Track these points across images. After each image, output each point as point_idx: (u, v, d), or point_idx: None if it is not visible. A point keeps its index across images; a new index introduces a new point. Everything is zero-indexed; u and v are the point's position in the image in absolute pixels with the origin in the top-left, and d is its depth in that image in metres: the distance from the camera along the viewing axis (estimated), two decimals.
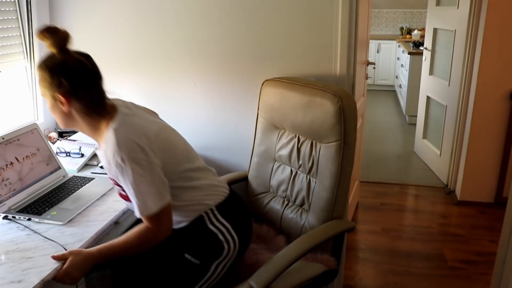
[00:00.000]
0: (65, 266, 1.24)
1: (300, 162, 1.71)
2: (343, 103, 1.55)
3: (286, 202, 1.77)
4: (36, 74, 1.33)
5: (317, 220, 1.65)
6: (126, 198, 1.39)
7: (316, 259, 1.62)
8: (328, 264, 1.61)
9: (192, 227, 1.44)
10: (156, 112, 1.58)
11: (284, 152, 1.76)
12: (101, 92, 1.34)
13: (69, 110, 1.30)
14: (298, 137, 1.72)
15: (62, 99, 1.28)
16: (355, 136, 1.60)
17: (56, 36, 1.26)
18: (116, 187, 1.42)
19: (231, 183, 1.88)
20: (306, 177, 1.70)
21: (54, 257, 1.25)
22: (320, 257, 1.62)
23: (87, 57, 1.33)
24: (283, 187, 1.79)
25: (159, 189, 1.31)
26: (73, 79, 1.27)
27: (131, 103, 1.47)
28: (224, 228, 1.44)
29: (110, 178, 1.40)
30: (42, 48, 2.13)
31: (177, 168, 1.41)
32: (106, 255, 1.31)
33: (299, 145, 1.71)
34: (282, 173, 1.79)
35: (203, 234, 1.43)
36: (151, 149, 1.30)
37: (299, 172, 1.73)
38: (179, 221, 1.44)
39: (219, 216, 1.45)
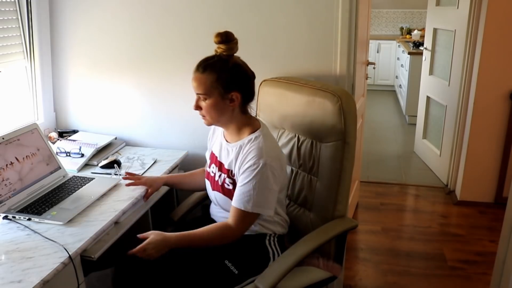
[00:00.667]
0: (144, 243, 1.36)
1: (301, 161, 1.71)
2: (342, 102, 1.56)
3: (287, 202, 1.77)
4: (205, 74, 1.43)
5: (320, 219, 1.65)
6: (218, 187, 1.56)
7: (324, 265, 1.62)
8: (333, 270, 1.61)
9: (251, 239, 1.52)
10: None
11: (284, 151, 1.76)
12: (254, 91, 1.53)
13: (234, 108, 1.47)
14: (298, 136, 1.72)
15: (237, 95, 1.44)
16: (355, 135, 1.60)
17: (233, 42, 1.44)
18: (216, 174, 1.57)
19: None
20: (307, 176, 1.70)
21: (138, 236, 1.39)
22: (325, 263, 1.62)
23: None
24: None
25: (269, 200, 1.45)
26: (246, 79, 1.48)
27: None
28: (277, 252, 1.55)
29: (220, 163, 1.56)
30: (42, 48, 2.14)
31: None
32: (184, 242, 1.42)
33: (299, 145, 1.71)
34: None
35: (257, 248, 1.52)
36: (283, 165, 1.51)
37: (300, 171, 1.73)
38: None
39: (277, 243, 1.56)
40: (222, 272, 1.46)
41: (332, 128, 1.58)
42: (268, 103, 1.82)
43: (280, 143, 1.78)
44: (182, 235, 1.43)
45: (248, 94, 1.50)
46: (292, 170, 1.75)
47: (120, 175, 1.84)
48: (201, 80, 1.43)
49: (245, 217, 1.44)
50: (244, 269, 1.47)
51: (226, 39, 1.43)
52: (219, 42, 1.43)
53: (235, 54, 1.47)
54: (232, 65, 1.44)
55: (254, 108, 1.59)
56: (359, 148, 2.99)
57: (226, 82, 1.42)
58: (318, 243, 1.51)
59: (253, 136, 1.48)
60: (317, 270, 1.60)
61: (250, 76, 1.50)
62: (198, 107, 1.49)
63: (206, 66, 1.43)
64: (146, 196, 1.71)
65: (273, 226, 1.57)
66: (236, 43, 1.45)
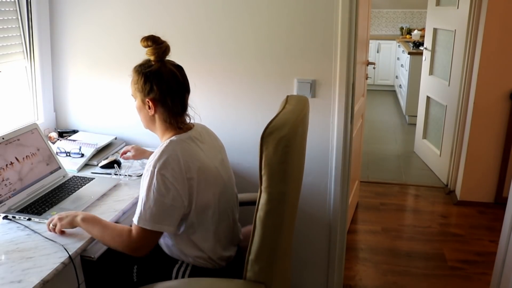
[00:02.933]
0: (55, 219, 1.37)
1: None
2: (265, 132, 1.18)
3: None
4: (131, 75, 1.44)
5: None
6: None
7: None
8: None
9: (163, 259, 1.47)
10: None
11: None
12: (184, 105, 1.44)
13: (153, 115, 1.41)
14: None
15: (151, 104, 1.39)
16: (281, 182, 1.19)
17: (159, 46, 1.38)
18: None
19: (246, 203, 1.73)
20: None
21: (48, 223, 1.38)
22: None
23: (179, 69, 1.43)
24: None
25: (165, 214, 1.31)
26: (164, 88, 1.38)
27: (211, 135, 1.56)
28: None
29: None
30: (42, 48, 2.14)
31: (193, 216, 1.39)
32: (89, 222, 1.36)
33: None
34: None
35: (162, 272, 1.45)
36: (184, 178, 1.32)
37: None
38: (168, 245, 1.46)
39: (187, 274, 1.43)
40: (126, 274, 1.46)
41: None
42: None
43: None
44: (90, 222, 1.36)
45: (170, 106, 1.39)
46: None
47: (120, 175, 1.84)
48: (130, 82, 1.44)
49: (142, 233, 1.30)
50: (143, 283, 1.42)
51: (147, 44, 1.38)
52: (145, 47, 1.40)
53: (170, 60, 1.43)
54: (152, 71, 1.37)
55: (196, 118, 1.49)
56: (358, 148, 2.99)
57: (140, 87, 1.39)
58: None
59: (166, 142, 1.37)
60: None
61: (174, 87, 1.39)
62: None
63: (134, 68, 1.43)
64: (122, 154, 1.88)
65: (189, 254, 1.42)
66: (162, 47, 1.38)
